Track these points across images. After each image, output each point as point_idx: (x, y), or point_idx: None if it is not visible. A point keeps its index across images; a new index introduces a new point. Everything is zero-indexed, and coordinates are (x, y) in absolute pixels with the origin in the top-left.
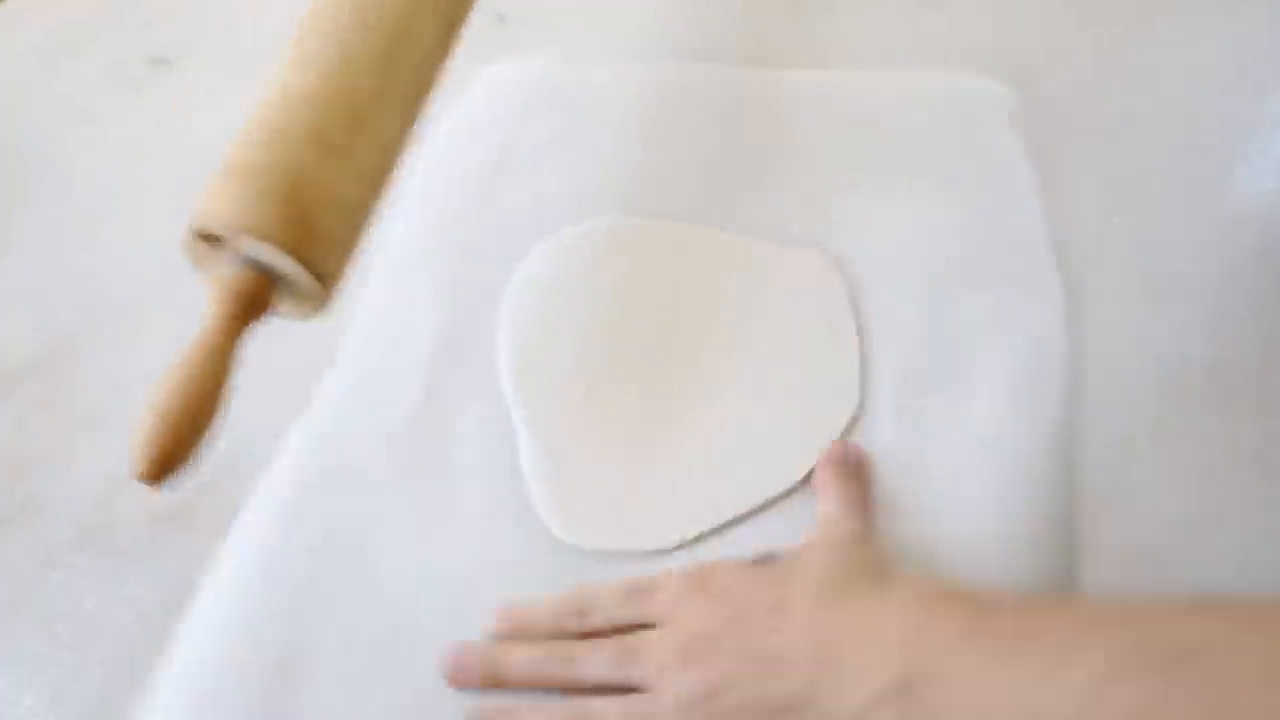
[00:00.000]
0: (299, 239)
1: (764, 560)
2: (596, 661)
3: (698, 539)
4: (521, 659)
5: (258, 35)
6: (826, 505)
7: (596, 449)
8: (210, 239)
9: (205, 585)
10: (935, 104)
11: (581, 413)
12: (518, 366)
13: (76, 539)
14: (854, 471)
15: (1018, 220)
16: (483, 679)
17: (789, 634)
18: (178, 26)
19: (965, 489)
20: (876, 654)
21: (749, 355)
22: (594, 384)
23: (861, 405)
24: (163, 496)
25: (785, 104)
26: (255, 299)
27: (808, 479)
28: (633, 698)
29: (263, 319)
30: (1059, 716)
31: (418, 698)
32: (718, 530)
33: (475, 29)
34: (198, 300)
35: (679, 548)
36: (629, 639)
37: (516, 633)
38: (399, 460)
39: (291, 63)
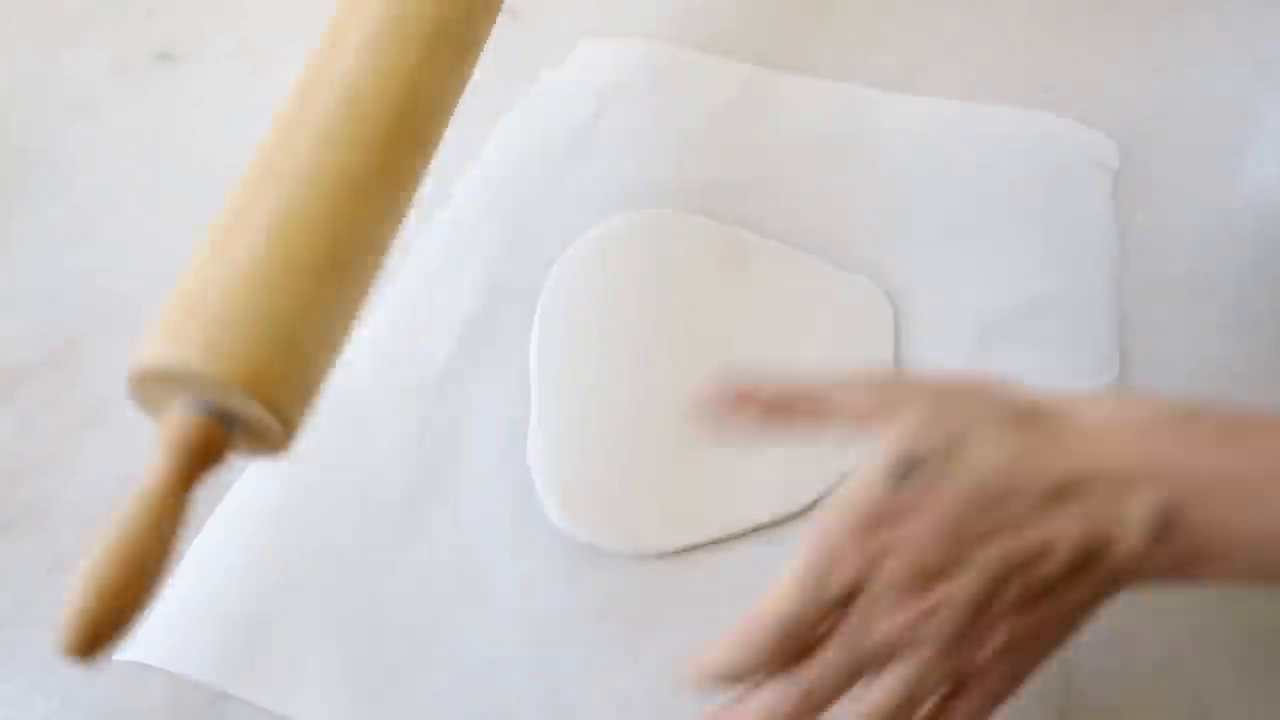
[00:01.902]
0: (265, 383)
1: (916, 467)
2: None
3: (690, 549)
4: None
5: (264, 30)
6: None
7: (605, 442)
8: (162, 378)
9: (214, 513)
10: (1030, 145)
11: (597, 403)
12: (545, 346)
13: (85, 542)
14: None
15: (1088, 285)
16: None
17: (1014, 509)
18: (182, 20)
19: None
20: (1125, 487)
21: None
22: (616, 376)
23: None
24: None
25: (878, 123)
26: (210, 447)
27: (811, 508)
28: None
29: (217, 467)
30: None
31: (398, 649)
32: (713, 544)
33: None
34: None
35: (671, 555)
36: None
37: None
38: (411, 415)
39: (258, 175)
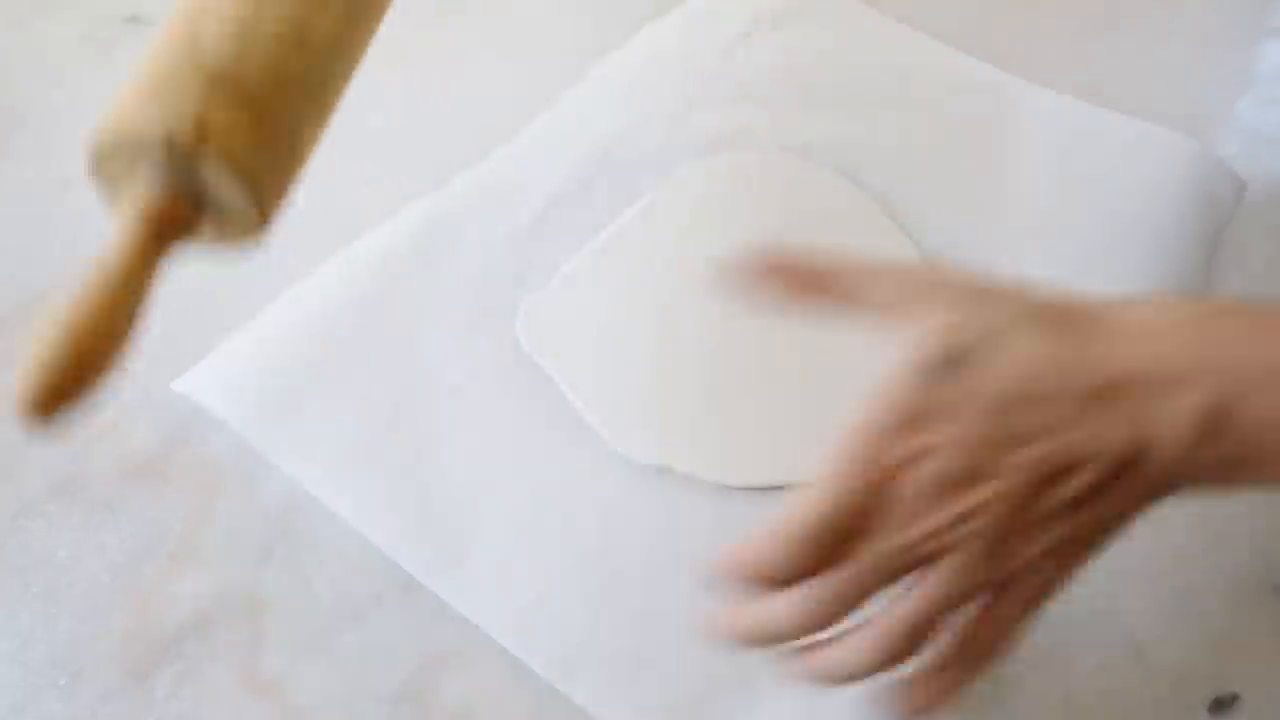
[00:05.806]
0: (246, 152)
1: (952, 365)
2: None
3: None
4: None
5: None
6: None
7: (690, 374)
8: (129, 152)
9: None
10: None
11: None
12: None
13: (50, 490)
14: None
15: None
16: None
17: (1052, 412)
18: None
19: None
20: (1168, 388)
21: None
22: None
23: None
24: (135, 449)
25: (1006, 112)
26: (176, 217)
27: None
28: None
29: (179, 249)
30: None
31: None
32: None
33: None
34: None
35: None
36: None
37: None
38: None
39: None
